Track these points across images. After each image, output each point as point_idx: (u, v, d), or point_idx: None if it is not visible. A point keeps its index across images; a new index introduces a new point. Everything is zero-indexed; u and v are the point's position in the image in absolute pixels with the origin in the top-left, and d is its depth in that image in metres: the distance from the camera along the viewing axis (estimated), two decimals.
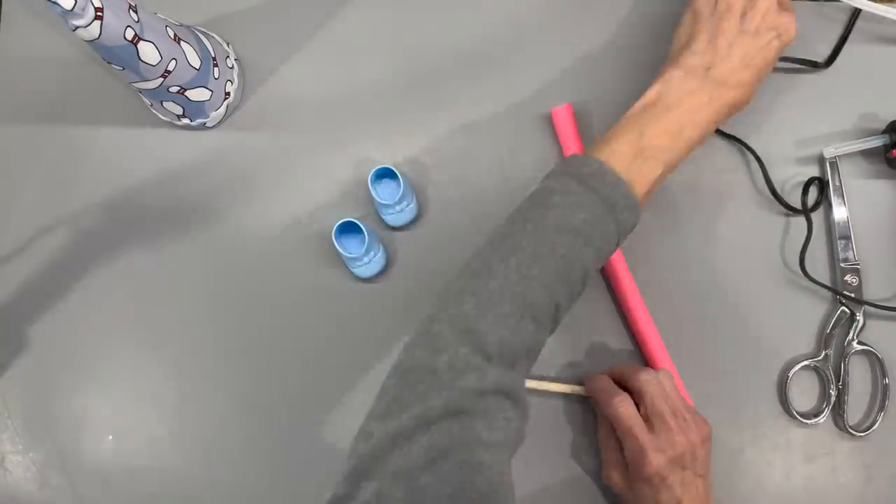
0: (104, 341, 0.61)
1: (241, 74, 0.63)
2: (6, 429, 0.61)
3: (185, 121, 0.61)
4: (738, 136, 0.62)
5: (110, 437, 0.60)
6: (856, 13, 0.62)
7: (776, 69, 0.61)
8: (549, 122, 0.63)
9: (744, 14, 0.52)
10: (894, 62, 0.62)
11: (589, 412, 0.59)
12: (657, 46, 0.61)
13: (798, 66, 0.61)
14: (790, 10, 0.53)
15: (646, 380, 0.53)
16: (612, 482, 0.54)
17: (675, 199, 0.61)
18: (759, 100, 0.62)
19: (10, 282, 0.62)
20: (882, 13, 0.59)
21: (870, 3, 0.59)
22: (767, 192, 0.60)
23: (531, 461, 0.59)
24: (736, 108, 0.53)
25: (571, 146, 0.60)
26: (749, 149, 0.61)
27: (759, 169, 0.60)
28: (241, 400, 0.61)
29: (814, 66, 0.61)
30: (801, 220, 0.60)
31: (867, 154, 0.61)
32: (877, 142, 0.59)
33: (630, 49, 0.63)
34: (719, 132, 0.61)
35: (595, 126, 0.63)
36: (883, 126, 0.60)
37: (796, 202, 0.60)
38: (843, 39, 0.62)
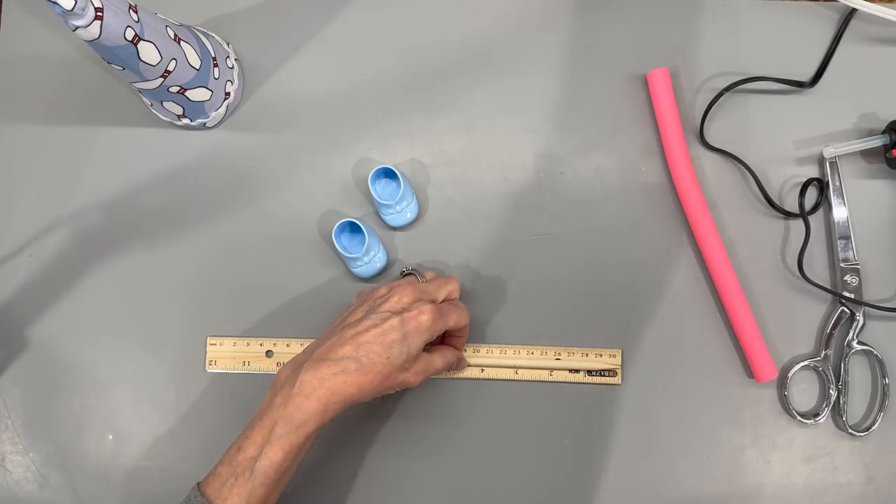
0: (104, 341, 0.61)
1: (241, 74, 0.63)
2: (6, 429, 0.61)
3: (185, 121, 0.61)
4: (736, 138, 0.62)
5: (110, 437, 0.60)
6: (847, 19, 0.62)
7: (769, 79, 0.61)
8: (549, 121, 0.63)
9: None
10: (893, 62, 0.62)
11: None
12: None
13: (783, 85, 0.61)
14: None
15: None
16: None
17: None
18: (760, 100, 0.62)
19: (10, 282, 0.62)
20: (879, 13, 0.59)
21: (866, 3, 0.59)
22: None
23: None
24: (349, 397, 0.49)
25: (668, 112, 0.60)
26: (742, 162, 0.61)
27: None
28: (241, 399, 0.61)
29: (799, 85, 0.61)
30: (800, 222, 0.60)
31: (867, 154, 0.61)
32: (877, 142, 0.59)
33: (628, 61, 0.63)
34: (711, 147, 0.61)
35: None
36: (883, 126, 0.60)
37: (795, 203, 0.60)
38: (829, 55, 0.62)
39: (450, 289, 0.55)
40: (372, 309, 0.52)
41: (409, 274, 0.57)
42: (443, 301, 0.55)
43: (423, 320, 0.51)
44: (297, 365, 0.50)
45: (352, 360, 0.49)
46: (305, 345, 0.61)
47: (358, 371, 0.49)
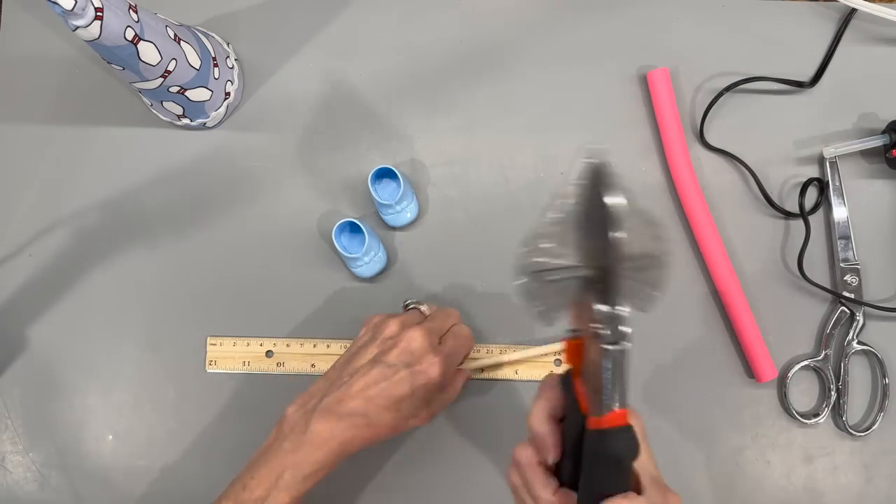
0: (104, 341, 0.61)
1: (242, 74, 0.63)
2: (6, 429, 0.61)
3: (185, 121, 0.61)
4: (736, 138, 0.62)
5: (110, 437, 0.60)
6: (846, 20, 0.62)
7: (769, 79, 0.61)
8: (548, 121, 0.63)
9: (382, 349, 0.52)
10: (893, 62, 0.62)
11: None
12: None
13: (783, 85, 0.61)
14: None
15: None
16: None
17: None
18: (760, 101, 0.62)
19: (10, 282, 0.62)
20: (879, 14, 0.59)
21: (866, 3, 0.59)
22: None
23: None
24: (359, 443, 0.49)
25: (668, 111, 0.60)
26: (742, 162, 0.61)
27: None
28: (240, 399, 0.61)
29: (799, 85, 0.61)
30: (800, 222, 0.60)
31: (867, 154, 0.61)
32: (877, 142, 0.59)
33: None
34: (711, 147, 0.61)
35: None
36: (883, 126, 0.60)
37: (795, 203, 0.60)
38: (829, 55, 0.62)
39: (452, 321, 0.55)
40: (382, 353, 0.51)
41: (412, 308, 0.57)
42: (447, 331, 0.55)
43: (433, 375, 0.51)
44: (308, 410, 0.50)
45: (361, 415, 0.49)
46: (305, 345, 0.61)
47: (367, 426, 0.49)
